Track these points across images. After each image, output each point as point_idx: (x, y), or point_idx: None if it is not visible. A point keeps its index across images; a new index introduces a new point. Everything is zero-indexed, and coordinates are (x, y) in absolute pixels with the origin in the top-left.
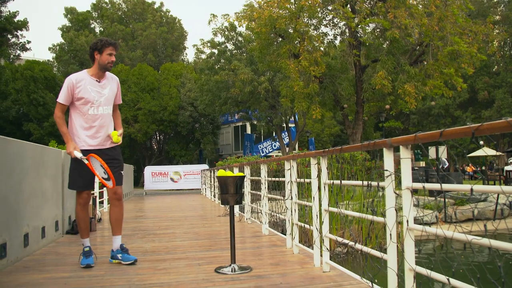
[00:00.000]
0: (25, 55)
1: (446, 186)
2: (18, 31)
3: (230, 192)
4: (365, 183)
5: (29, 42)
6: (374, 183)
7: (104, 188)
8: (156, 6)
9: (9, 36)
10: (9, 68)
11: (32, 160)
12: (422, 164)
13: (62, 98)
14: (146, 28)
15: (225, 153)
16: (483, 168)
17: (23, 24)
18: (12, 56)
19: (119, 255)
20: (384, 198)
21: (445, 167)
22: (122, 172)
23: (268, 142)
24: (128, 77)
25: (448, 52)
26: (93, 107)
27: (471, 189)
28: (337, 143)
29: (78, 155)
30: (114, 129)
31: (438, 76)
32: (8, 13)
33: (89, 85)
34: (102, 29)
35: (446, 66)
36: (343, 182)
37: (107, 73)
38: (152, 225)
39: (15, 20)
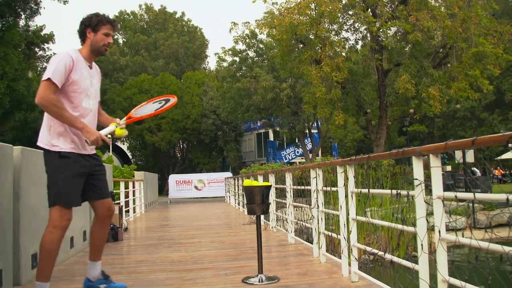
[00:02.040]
0: None
1: (479, 196)
2: (45, 44)
3: (257, 201)
4: (394, 192)
5: (55, 54)
6: (403, 192)
7: (130, 197)
8: (177, 16)
9: (36, 49)
10: (36, 80)
11: None
12: (449, 168)
13: (56, 76)
14: (168, 37)
15: (248, 160)
16: None
17: (50, 37)
18: (39, 68)
19: (101, 286)
20: (412, 205)
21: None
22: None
23: (291, 148)
24: (151, 86)
25: (472, 53)
26: (86, 98)
27: (507, 199)
28: (361, 149)
29: (106, 131)
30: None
31: (463, 78)
32: (35, 27)
33: (84, 69)
34: (125, 40)
35: (471, 68)
36: (371, 191)
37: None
38: (178, 234)
39: (42, 33)
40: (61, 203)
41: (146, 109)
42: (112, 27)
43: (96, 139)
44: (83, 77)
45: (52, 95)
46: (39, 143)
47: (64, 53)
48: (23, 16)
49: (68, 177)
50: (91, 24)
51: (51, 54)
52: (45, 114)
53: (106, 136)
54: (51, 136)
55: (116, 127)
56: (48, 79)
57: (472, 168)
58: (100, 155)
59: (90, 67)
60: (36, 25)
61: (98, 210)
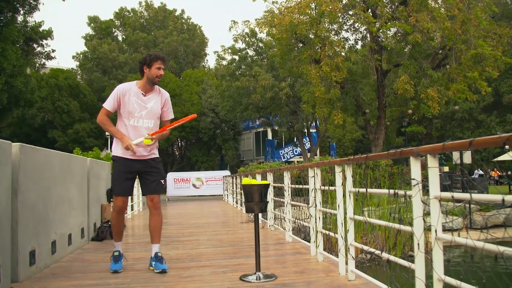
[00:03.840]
0: (50, 64)
1: (476, 197)
2: (43, 40)
3: (255, 200)
4: (392, 192)
5: (53, 51)
6: (401, 192)
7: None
8: (177, 13)
9: (35, 46)
10: (34, 76)
11: (59, 168)
12: (446, 169)
13: (108, 104)
14: (167, 35)
15: (246, 158)
16: (509, 173)
17: (48, 34)
18: (37, 64)
19: (152, 263)
20: (410, 204)
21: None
22: (162, 181)
23: (289, 147)
24: None
25: (471, 55)
26: (134, 118)
27: (503, 200)
28: (359, 148)
29: (136, 142)
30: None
31: (462, 80)
32: (34, 23)
33: (133, 96)
34: (124, 37)
35: (470, 70)
36: (369, 190)
37: (157, 88)
38: (176, 232)
39: (41, 29)
40: (113, 193)
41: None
42: (163, 62)
43: (127, 146)
44: (131, 103)
45: (102, 116)
46: None
47: (117, 86)
48: (21, 12)
49: (115, 174)
50: (146, 62)
51: (49, 51)
52: None
53: (136, 144)
54: (113, 145)
55: (144, 138)
56: (103, 106)
57: (476, 170)
58: (98, 152)
59: (144, 95)
60: (35, 21)
61: (147, 202)
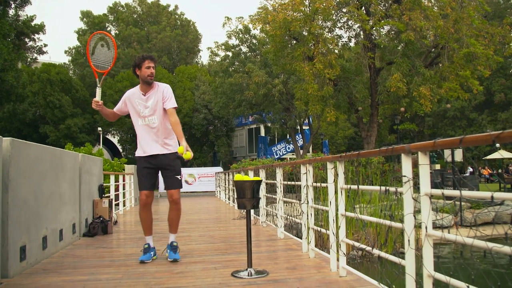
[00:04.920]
0: (42, 58)
1: (465, 193)
2: (35, 34)
3: (247, 196)
4: (383, 188)
5: (45, 45)
6: (392, 189)
7: (120, 191)
8: (170, 9)
9: (27, 40)
10: (26, 71)
11: (51, 163)
12: (438, 167)
13: (117, 106)
14: (160, 31)
15: (239, 155)
16: (500, 171)
17: (40, 28)
18: (29, 59)
19: (167, 250)
20: (401, 202)
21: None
22: (178, 177)
23: (282, 144)
24: None
25: (464, 54)
26: (141, 118)
27: (492, 197)
28: (351, 146)
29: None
30: (179, 144)
31: (454, 78)
32: (25, 17)
33: (137, 99)
34: (117, 32)
35: (462, 69)
36: (361, 187)
37: (155, 84)
38: (168, 228)
39: (32, 24)
40: (139, 188)
41: (101, 56)
42: (151, 60)
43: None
44: (136, 105)
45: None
46: None
47: (126, 92)
48: (13, 6)
49: (138, 172)
50: (136, 64)
51: (41, 45)
52: None
53: (96, 102)
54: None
55: (183, 155)
56: None
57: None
58: (90, 148)
59: (144, 94)
60: (27, 15)
61: (167, 196)
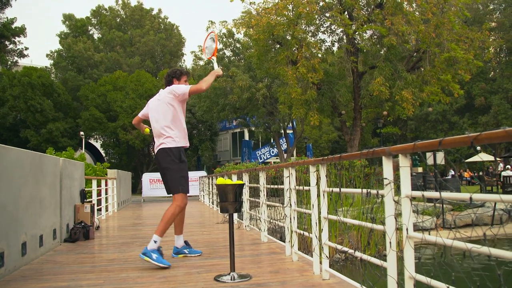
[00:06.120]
0: (23, 62)
1: (445, 195)
2: (16, 37)
3: (230, 200)
4: (365, 191)
5: (26, 48)
6: (373, 191)
7: (103, 196)
8: (154, 12)
9: (7, 43)
10: (6, 74)
11: (30, 168)
12: (420, 170)
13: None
14: (144, 34)
15: (223, 159)
16: (480, 173)
17: (21, 31)
18: (9, 62)
19: (185, 250)
20: (383, 205)
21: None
22: (176, 176)
23: (266, 148)
24: (126, 84)
25: (445, 58)
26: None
27: (470, 198)
28: (335, 149)
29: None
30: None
31: (435, 82)
32: (5, 20)
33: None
34: (100, 36)
35: (443, 73)
36: (343, 190)
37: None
38: (151, 233)
39: (13, 26)
40: (185, 192)
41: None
42: (188, 77)
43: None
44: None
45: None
46: None
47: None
48: None
49: (184, 166)
50: (176, 75)
51: (22, 48)
52: None
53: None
54: None
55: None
56: None
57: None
58: (72, 152)
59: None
60: (7, 17)
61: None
